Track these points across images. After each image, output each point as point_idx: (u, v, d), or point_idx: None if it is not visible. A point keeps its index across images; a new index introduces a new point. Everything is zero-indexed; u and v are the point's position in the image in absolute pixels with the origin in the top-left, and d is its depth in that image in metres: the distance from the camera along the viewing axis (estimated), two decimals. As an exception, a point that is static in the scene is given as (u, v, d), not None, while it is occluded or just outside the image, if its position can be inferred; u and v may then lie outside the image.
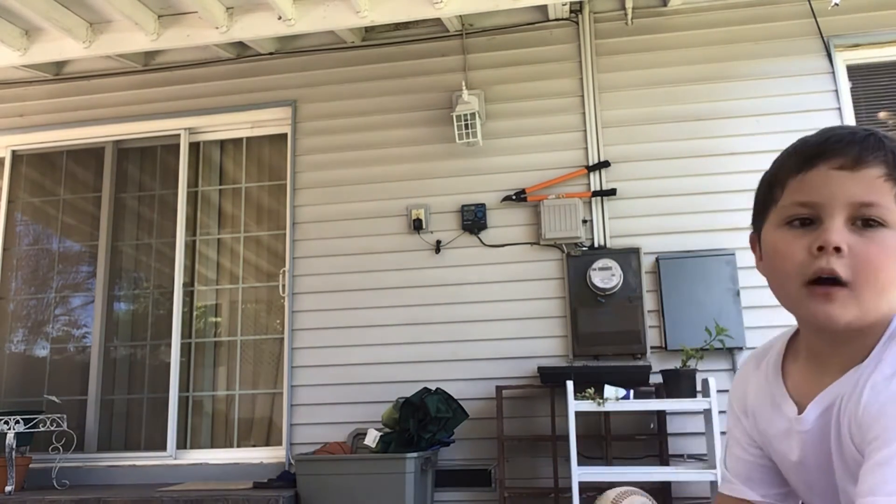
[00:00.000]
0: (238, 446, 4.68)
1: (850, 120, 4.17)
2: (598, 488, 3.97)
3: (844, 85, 4.29)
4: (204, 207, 5.04)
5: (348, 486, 3.71)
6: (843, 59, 4.33)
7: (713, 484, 3.47)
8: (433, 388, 4.02)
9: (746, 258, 4.11)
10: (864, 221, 0.86)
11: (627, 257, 4.22)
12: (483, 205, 4.45)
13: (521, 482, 4.09)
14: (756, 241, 1.00)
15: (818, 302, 0.86)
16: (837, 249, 0.85)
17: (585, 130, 4.46)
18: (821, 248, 0.86)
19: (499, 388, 4.05)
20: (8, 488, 4.08)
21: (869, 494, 0.76)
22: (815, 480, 0.95)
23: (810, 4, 4.27)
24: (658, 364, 4.05)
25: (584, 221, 4.33)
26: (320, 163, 4.72)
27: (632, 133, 4.42)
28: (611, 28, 4.58)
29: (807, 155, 0.90)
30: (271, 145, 5.02)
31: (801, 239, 0.88)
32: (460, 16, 4.57)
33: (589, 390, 3.60)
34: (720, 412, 3.57)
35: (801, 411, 0.95)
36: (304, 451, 4.18)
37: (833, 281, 0.85)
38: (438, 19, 4.51)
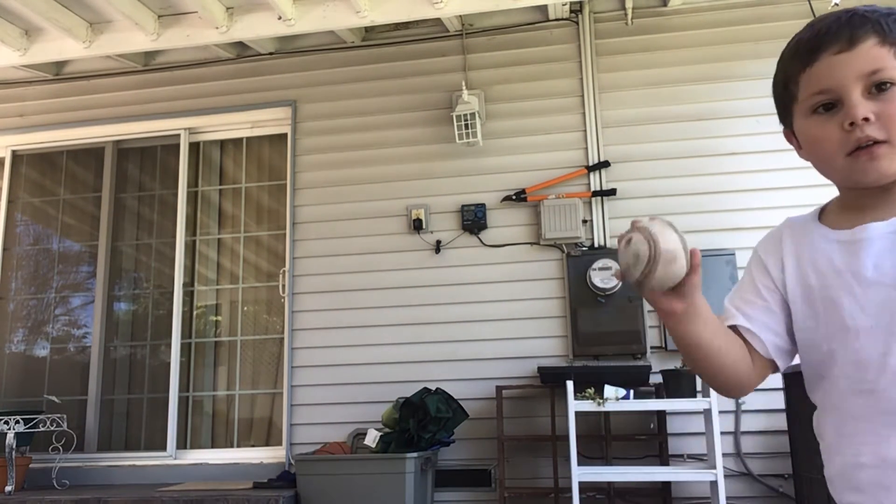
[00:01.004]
0: (238, 446, 4.68)
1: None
2: (598, 488, 3.97)
3: (844, 85, 4.28)
4: (204, 207, 5.04)
5: (348, 486, 3.71)
6: (843, 59, 4.32)
7: (713, 484, 3.47)
8: (433, 388, 4.02)
9: (746, 258, 4.09)
10: (878, 87, 0.95)
11: (627, 257, 4.21)
12: (483, 205, 4.45)
13: (521, 482, 4.09)
14: (790, 136, 1.10)
15: (865, 164, 0.95)
16: (866, 119, 0.94)
17: (585, 130, 4.46)
18: (851, 124, 0.95)
19: (499, 388, 4.04)
20: (8, 488, 4.08)
21: None
22: (882, 298, 0.95)
23: (810, 4, 4.27)
24: (658, 364, 4.05)
25: (584, 221, 4.33)
26: (320, 163, 4.72)
27: (632, 133, 4.42)
28: (611, 28, 4.58)
29: (807, 51, 0.99)
30: (271, 145, 5.02)
31: (831, 121, 0.97)
32: (460, 16, 4.56)
33: (589, 390, 3.60)
34: (720, 412, 3.57)
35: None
36: (304, 451, 4.18)
37: (872, 143, 0.94)
38: (438, 19, 4.51)
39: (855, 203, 1.03)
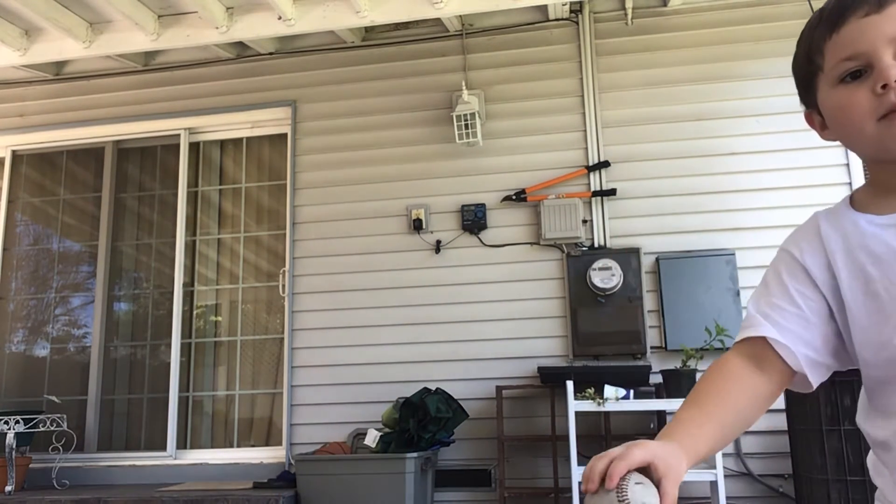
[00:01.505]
0: (238, 446, 4.68)
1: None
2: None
3: (844, 85, 4.28)
4: (204, 207, 5.04)
5: (348, 486, 3.71)
6: (843, 59, 4.32)
7: (713, 484, 3.48)
8: (433, 388, 4.02)
9: (746, 258, 4.11)
10: None
11: (627, 257, 4.22)
12: (483, 205, 4.45)
13: (521, 482, 4.09)
14: (811, 117, 1.02)
15: None
16: None
17: (585, 130, 4.46)
18: (884, 87, 0.89)
19: (499, 388, 4.05)
20: (8, 488, 4.08)
21: None
22: None
23: (810, 4, 4.26)
24: (658, 364, 4.05)
25: (584, 221, 4.33)
26: (320, 163, 4.72)
27: (632, 133, 4.42)
28: (611, 28, 4.58)
29: (833, 17, 0.94)
30: (271, 145, 5.02)
31: (861, 87, 0.91)
32: (460, 16, 4.57)
33: (589, 390, 3.60)
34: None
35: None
36: (304, 451, 4.18)
37: None
38: (438, 19, 4.51)
39: (892, 182, 0.95)
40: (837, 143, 1.00)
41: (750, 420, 0.98)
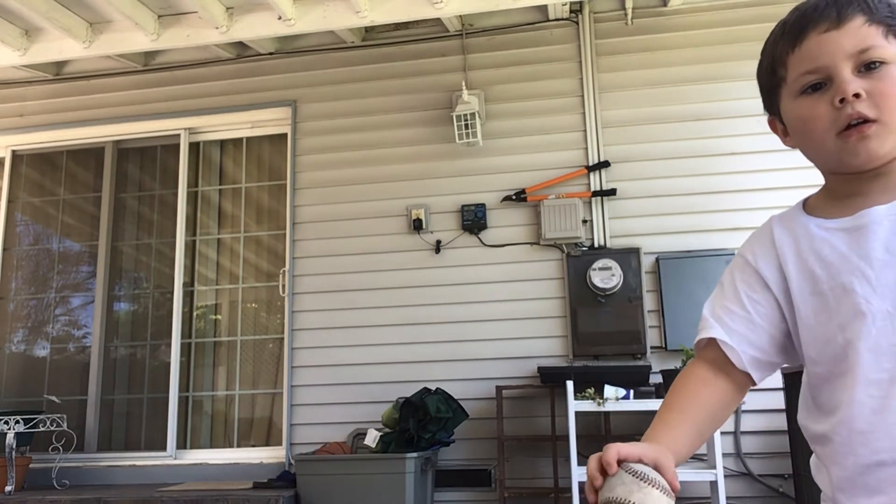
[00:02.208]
0: (238, 446, 4.68)
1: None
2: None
3: (844, 85, 4.28)
4: (204, 207, 5.04)
5: (348, 486, 3.71)
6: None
7: (713, 484, 3.48)
8: (433, 388, 4.02)
9: (746, 258, 4.10)
10: (867, 66, 0.93)
11: (627, 257, 4.22)
12: (483, 205, 4.45)
13: (521, 482, 4.09)
14: (774, 124, 1.08)
15: (856, 143, 0.93)
16: (857, 95, 0.92)
17: (585, 130, 4.46)
18: (842, 100, 0.93)
19: (499, 388, 4.05)
20: (8, 488, 4.08)
21: None
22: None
23: (810, 4, 4.26)
24: (658, 364, 4.05)
25: (584, 221, 4.33)
26: (320, 163, 4.72)
27: (632, 133, 4.42)
28: (611, 28, 4.58)
29: (795, 31, 0.98)
30: (271, 145, 5.02)
31: (821, 100, 0.95)
32: (460, 16, 4.57)
33: (589, 390, 3.60)
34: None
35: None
36: (304, 452, 4.18)
37: (863, 122, 0.93)
38: (438, 19, 4.51)
39: (846, 191, 0.99)
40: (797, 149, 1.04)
41: (722, 419, 1.05)
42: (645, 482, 0.82)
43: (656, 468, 0.87)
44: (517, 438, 4.10)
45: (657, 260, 4.22)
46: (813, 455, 1.03)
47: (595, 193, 4.35)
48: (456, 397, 4.00)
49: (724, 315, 1.05)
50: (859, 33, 0.93)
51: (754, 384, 1.06)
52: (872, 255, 0.94)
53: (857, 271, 0.94)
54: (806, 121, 0.98)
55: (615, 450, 0.87)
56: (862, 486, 0.92)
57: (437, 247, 4.46)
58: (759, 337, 1.03)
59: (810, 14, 0.97)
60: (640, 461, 0.87)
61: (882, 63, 0.93)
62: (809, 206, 1.05)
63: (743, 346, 1.03)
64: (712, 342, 1.05)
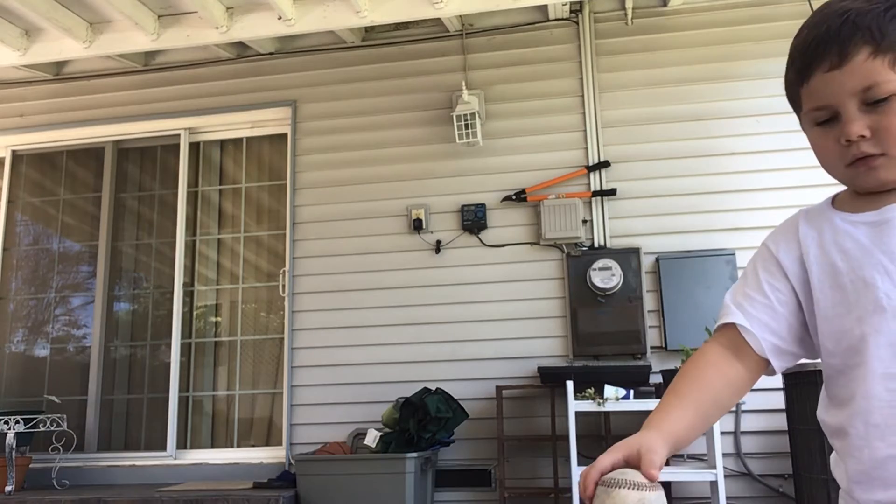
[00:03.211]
0: (238, 446, 4.68)
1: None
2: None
3: (844, 85, 4.28)
4: (204, 207, 5.05)
5: (348, 486, 3.71)
6: (843, 59, 4.32)
7: (713, 484, 3.48)
8: (433, 388, 4.02)
9: (746, 258, 4.09)
10: (873, 102, 0.93)
11: (627, 257, 4.22)
12: (483, 205, 4.45)
13: (521, 482, 4.09)
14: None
15: (865, 174, 0.96)
16: (861, 136, 0.93)
17: (585, 130, 4.46)
18: (848, 141, 0.95)
19: (499, 388, 4.05)
20: (8, 488, 4.08)
21: None
22: None
23: (810, 4, 4.26)
24: (658, 364, 4.05)
25: (584, 221, 4.33)
26: (320, 163, 4.72)
27: (632, 133, 4.42)
28: (611, 28, 4.58)
29: (800, 68, 1.00)
30: (271, 145, 5.02)
31: (830, 134, 0.97)
32: (460, 16, 4.57)
33: (589, 390, 3.60)
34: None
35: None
36: (304, 452, 4.18)
37: (869, 156, 0.94)
38: (438, 19, 4.51)
39: (870, 192, 1.01)
40: None
41: (727, 404, 1.05)
42: (611, 486, 0.84)
43: (629, 462, 0.88)
44: (517, 438, 4.10)
45: (657, 260, 4.22)
46: (833, 452, 1.03)
47: (595, 193, 4.35)
48: (456, 397, 4.00)
49: (744, 302, 1.05)
50: (863, 70, 0.92)
51: (771, 373, 1.06)
52: (895, 251, 0.94)
53: (879, 266, 0.95)
54: (819, 149, 1.01)
55: (593, 472, 0.88)
56: (878, 479, 0.93)
57: (437, 247, 4.46)
58: (780, 324, 1.03)
59: (813, 51, 0.96)
60: (625, 460, 0.88)
61: (890, 96, 0.92)
62: (838, 201, 1.06)
63: (763, 332, 1.03)
64: (730, 327, 1.05)
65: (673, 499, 3.89)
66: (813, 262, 1.01)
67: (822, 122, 0.98)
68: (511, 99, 4.58)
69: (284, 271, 4.66)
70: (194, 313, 4.92)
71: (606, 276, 4.15)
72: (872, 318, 0.94)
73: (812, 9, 4.59)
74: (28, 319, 5.09)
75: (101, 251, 5.00)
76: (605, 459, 0.89)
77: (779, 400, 3.78)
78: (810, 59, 0.97)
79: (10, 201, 5.20)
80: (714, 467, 3.44)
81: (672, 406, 1.00)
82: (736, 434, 3.97)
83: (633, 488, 0.84)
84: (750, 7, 4.44)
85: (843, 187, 1.07)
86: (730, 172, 4.25)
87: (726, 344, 1.05)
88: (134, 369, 4.92)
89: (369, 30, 4.81)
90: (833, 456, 1.03)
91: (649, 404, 3.65)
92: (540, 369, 3.93)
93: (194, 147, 5.08)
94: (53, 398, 4.65)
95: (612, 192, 4.33)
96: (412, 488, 3.66)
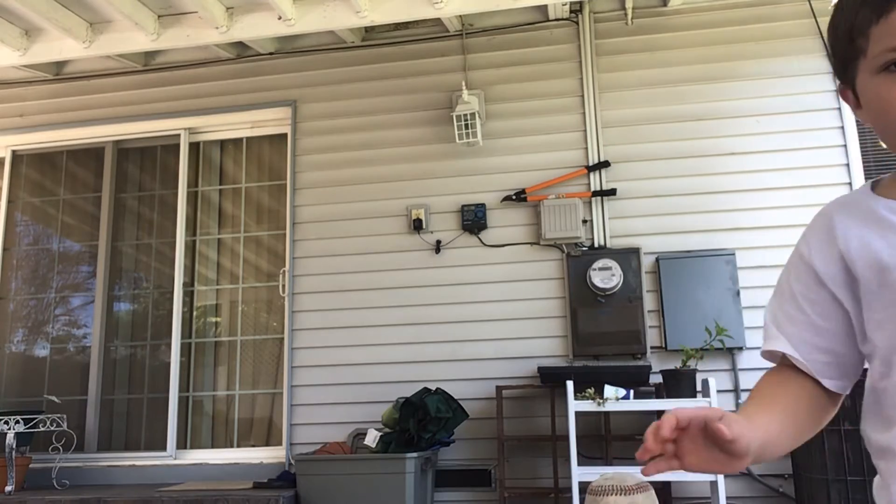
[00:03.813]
0: (238, 446, 4.68)
1: (849, 124, 4.14)
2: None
3: (844, 85, 4.28)
4: (204, 207, 5.04)
5: (348, 486, 3.71)
6: (843, 59, 4.32)
7: (713, 484, 3.48)
8: (433, 388, 4.02)
9: (746, 258, 4.11)
10: None
11: (627, 257, 4.22)
12: (483, 205, 4.45)
13: (521, 482, 4.09)
14: (846, 94, 0.95)
15: None
16: None
17: (585, 130, 4.46)
18: None
19: (499, 388, 4.05)
20: (8, 488, 4.08)
21: None
22: None
23: (810, 4, 4.27)
24: (658, 364, 4.05)
25: (584, 221, 4.33)
26: (320, 163, 4.72)
27: (632, 133, 4.42)
28: (611, 28, 4.58)
29: (878, 1, 0.85)
30: (271, 145, 5.02)
31: None
32: (460, 16, 4.57)
33: (589, 390, 3.60)
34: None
35: None
36: (303, 452, 4.18)
37: None
38: (438, 19, 4.51)
39: None
40: (868, 126, 0.95)
41: (805, 416, 0.94)
42: (600, 494, 0.86)
43: (694, 420, 0.81)
44: (517, 438, 4.10)
45: (657, 260, 4.22)
46: (876, 476, 0.90)
47: (595, 193, 4.35)
48: (456, 397, 4.00)
49: (786, 323, 0.95)
50: None
51: (842, 391, 0.96)
52: None
53: None
54: (885, 101, 0.86)
55: (671, 418, 0.80)
56: None
57: (437, 247, 4.46)
58: (828, 340, 0.93)
59: None
60: (689, 422, 0.82)
61: None
62: (880, 187, 0.92)
63: (813, 353, 0.93)
64: (776, 353, 0.96)
65: (673, 499, 3.89)
66: (856, 260, 0.88)
67: (892, 66, 0.84)
68: (511, 99, 4.58)
69: (284, 271, 4.66)
70: (194, 313, 4.92)
71: (606, 276, 4.15)
72: None
73: (812, 9, 4.60)
74: (28, 319, 5.09)
75: (100, 251, 5.00)
76: (685, 412, 0.82)
77: (779, 400, 3.77)
78: None
79: (10, 201, 5.20)
80: (714, 467, 3.43)
81: (748, 411, 0.91)
82: (736, 434, 3.96)
83: (623, 493, 0.84)
84: (750, 7, 4.44)
85: (857, 186, 0.97)
86: (730, 172, 4.25)
87: (779, 370, 0.97)
88: (134, 369, 4.92)
89: (369, 30, 4.81)
90: (877, 481, 0.91)
91: (649, 404, 3.65)
92: (540, 369, 3.93)
93: (194, 147, 5.08)
94: (53, 398, 4.65)
95: (612, 192, 4.33)
96: (412, 488, 3.66)
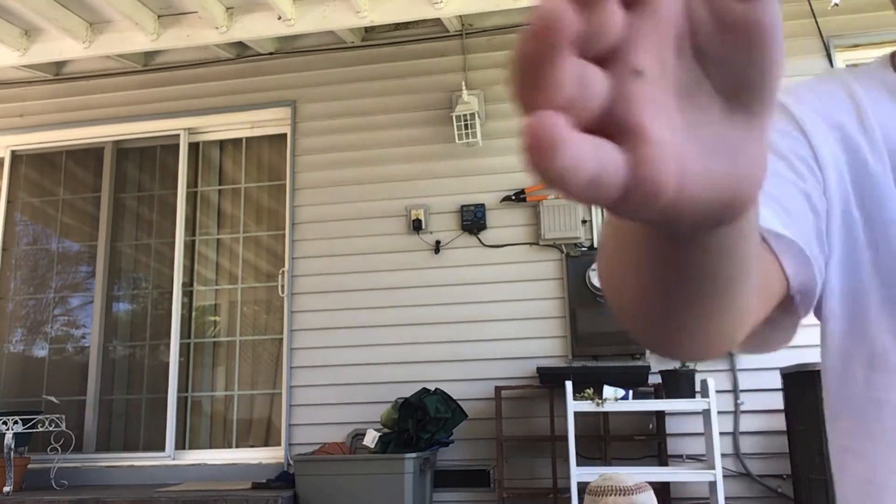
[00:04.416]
0: (237, 447, 4.67)
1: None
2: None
3: (844, 86, 4.28)
4: (203, 208, 5.04)
5: (347, 486, 3.70)
6: (843, 59, 4.33)
7: (712, 484, 3.47)
8: (432, 389, 4.02)
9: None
10: None
11: (627, 258, 4.21)
12: (483, 205, 4.45)
13: (520, 482, 4.09)
14: None
15: None
16: None
17: (585, 131, 4.45)
18: None
19: (498, 389, 4.04)
20: (6, 489, 4.08)
21: None
22: None
23: (810, 4, 4.27)
24: (657, 364, 4.04)
25: (584, 222, 4.33)
26: (320, 163, 4.72)
27: (631, 133, 4.41)
28: (610, 29, 4.57)
29: None
30: (271, 145, 5.02)
31: None
32: (460, 16, 4.57)
33: (588, 391, 3.60)
34: (719, 413, 3.57)
35: None
36: (302, 452, 4.18)
37: None
38: (438, 19, 4.51)
39: None
40: None
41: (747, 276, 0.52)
42: (598, 495, 0.84)
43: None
44: (516, 439, 4.10)
45: (656, 260, 4.21)
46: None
47: (594, 194, 4.35)
48: (455, 398, 4.00)
49: (774, 188, 0.59)
50: None
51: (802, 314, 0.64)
52: None
53: None
54: None
55: None
56: None
57: (437, 247, 4.46)
58: (810, 221, 0.61)
59: None
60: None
61: None
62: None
63: (796, 229, 0.58)
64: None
65: (672, 499, 3.89)
66: (877, 129, 0.65)
67: None
68: (511, 99, 4.57)
69: (284, 271, 4.66)
70: (193, 313, 4.92)
71: (606, 276, 4.14)
72: None
73: (812, 9, 4.58)
74: (27, 319, 5.09)
75: (100, 251, 5.00)
76: None
77: (777, 400, 3.78)
78: None
79: (9, 201, 5.20)
80: (713, 468, 3.44)
81: None
82: (735, 434, 3.97)
83: (621, 494, 0.84)
84: (749, 8, 4.44)
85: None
86: (729, 173, 4.24)
87: None
88: (133, 369, 4.92)
89: (369, 30, 4.81)
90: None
91: (648, 404, 3.65)
92: (539, 370, 3.93)
93: (194, 147, 5.08)
94: (52, 398, 4.64)
95: (612, 192, 4.33)
96: (411, 488, 3.66)
